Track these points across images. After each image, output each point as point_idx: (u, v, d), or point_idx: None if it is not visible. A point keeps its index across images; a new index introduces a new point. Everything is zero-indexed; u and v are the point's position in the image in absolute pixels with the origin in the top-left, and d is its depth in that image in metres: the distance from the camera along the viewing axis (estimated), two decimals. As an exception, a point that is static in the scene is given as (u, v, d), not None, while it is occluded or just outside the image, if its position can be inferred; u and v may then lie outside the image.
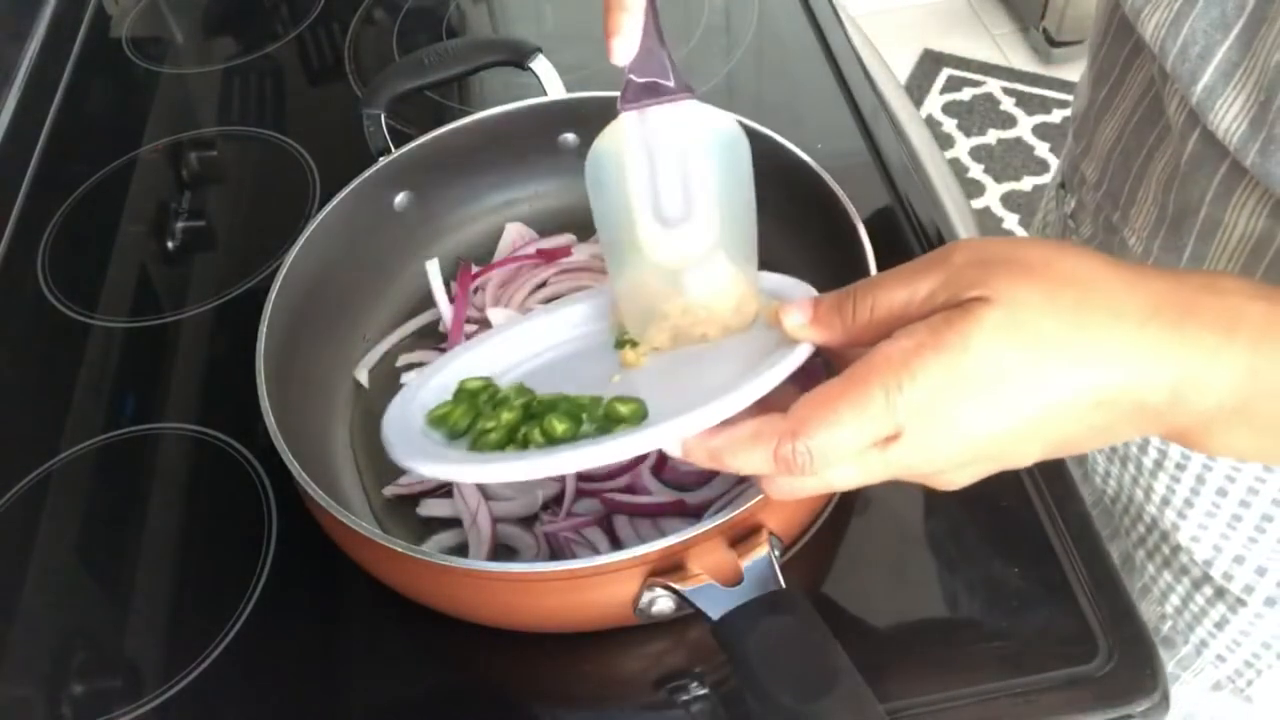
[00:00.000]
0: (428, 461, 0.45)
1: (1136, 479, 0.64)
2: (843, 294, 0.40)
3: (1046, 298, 0.35)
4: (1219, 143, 0.48)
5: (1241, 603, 0.62)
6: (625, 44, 0.45)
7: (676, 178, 0.48)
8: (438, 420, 0.49)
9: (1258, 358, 0.34)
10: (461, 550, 0.58)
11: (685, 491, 0.58)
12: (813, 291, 0.46)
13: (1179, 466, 0.60)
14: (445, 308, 0.68)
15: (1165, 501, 0.62)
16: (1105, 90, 0.60)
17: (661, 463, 0.59)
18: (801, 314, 0.41)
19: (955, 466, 0.38)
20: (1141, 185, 0.57)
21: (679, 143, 0.47)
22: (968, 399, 0.35)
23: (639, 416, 0.44)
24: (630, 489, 0.58)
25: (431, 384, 0.52)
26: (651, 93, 0.47)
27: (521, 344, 0.55)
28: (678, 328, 0.49)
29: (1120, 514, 0.69)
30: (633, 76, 0.46)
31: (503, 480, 0.52)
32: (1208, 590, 0.63)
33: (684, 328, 0.49)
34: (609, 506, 0.57)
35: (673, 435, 0.40)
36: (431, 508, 0.60)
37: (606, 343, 0.52)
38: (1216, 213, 0.51)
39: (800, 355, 0.41)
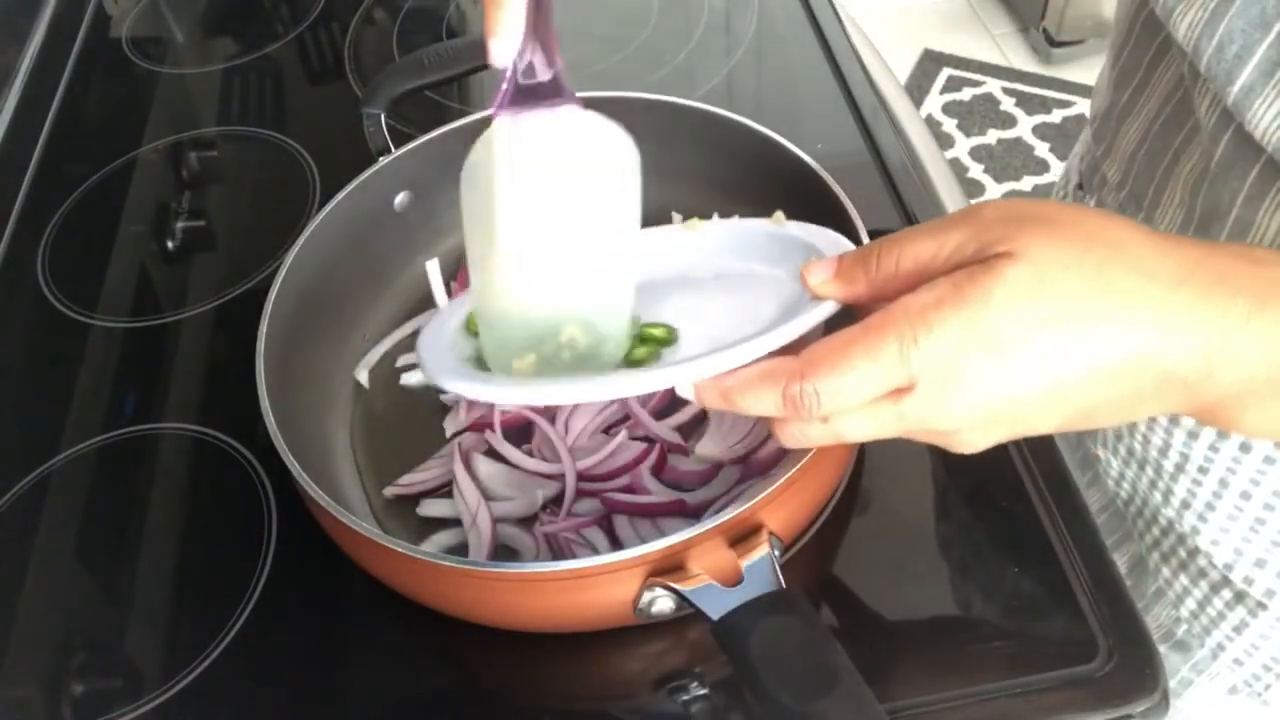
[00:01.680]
0: (457, 380, 0.44)
1: (1155, 482, 0.64)
2: (868, 248, 0.39)
3: (1075, 256, 0.34)
4: (1253, 144, 0.47)
5: (1262, 606, 0.62)
6: (503, 45, 0.43)
7: (546, 193, 0.43)
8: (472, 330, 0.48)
9: None
10: (461, 550, 0.58)
11: (685, 491, 0.58)
12: (844, 241, 0.46)
13: (1201, 470, 0.59)
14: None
15: (1185, 505, 0.62)
16: (1129, 91, 0.60)
17: (661, 463, 0.59)
18: (825, 270, 0.40)
19: (969, 427, 0.37)
20: (1167, 187, 0.56)
21: (552, 155, 0.43)
22: (986, 356, 0.34)
23: (669, 340, 0.45)
24: (630, 489, 0.58)
25: (464, 311, 0.51)
26: (529, 97, 0.43)
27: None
28: (542, 358, 0.44)
29: (1134, 517, 0.68)
30: (508, 80, 0.43)
31: (523, 402, 0.53)
32: (1227, 594, 0.63)
33: (547, 357, 0.45)
34: (609, 506, 0.57)
35: (687, 377, 0.40)
36: (431, 508, 0.60)
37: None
38: (1248, 215, 0.50)
39: (823, 311, 0.41)
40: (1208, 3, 0.46)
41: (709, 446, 0.59)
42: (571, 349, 0.45)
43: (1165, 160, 0.56)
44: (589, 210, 0.44)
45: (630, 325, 0.46)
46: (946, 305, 0.34)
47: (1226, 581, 0.63)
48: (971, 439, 0.38)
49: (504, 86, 0.44)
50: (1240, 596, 0.62)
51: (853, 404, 0.36)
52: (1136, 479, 0.66)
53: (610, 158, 0.44)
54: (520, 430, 0.62)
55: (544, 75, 0.43)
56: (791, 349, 0.39)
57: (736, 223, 0.53)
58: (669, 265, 0.52)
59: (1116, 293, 0.34)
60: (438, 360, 0.47)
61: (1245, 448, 0.56)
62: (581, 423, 0.61)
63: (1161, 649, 0.69)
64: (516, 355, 0.45)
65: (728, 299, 0.49)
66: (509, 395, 0.46)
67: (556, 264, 0.44)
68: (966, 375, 0.35)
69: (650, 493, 0.58)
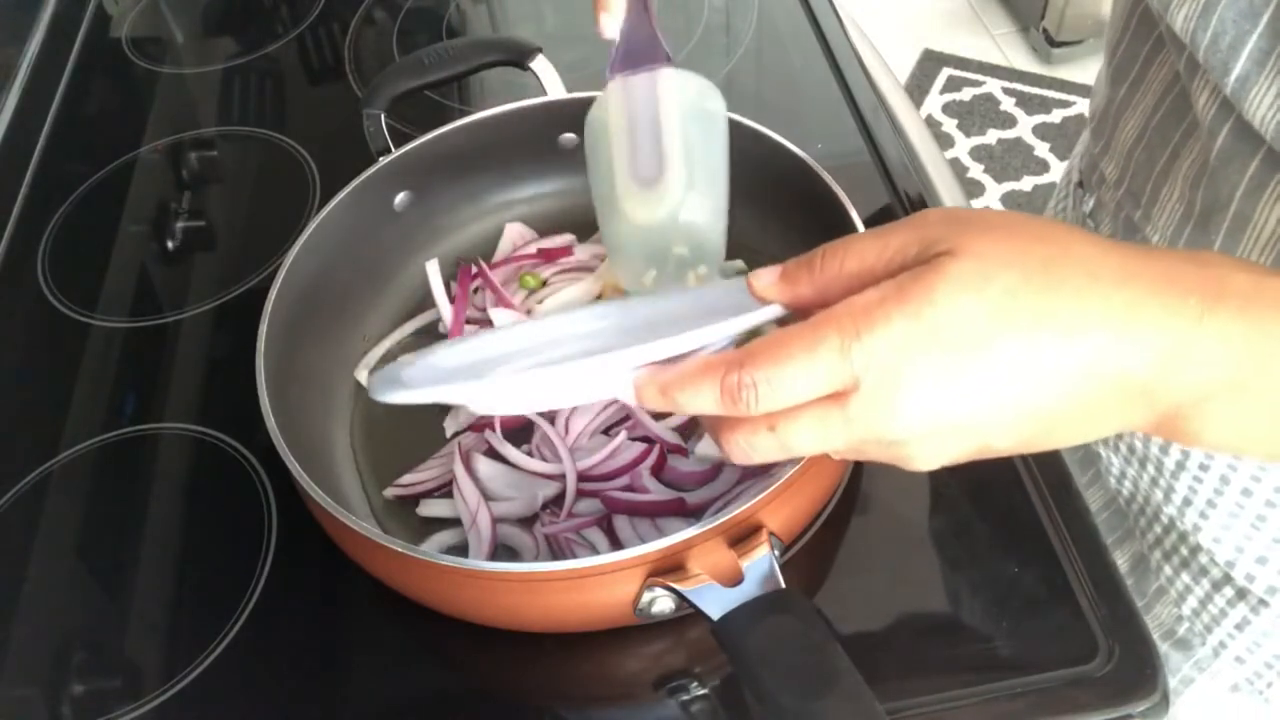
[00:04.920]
0: (407, 389, 0.44)
1: (1156, 480, 0.64)
2: (812, 252, 0.39)
3: (1018, 253, 0.34)
4: (1252, 135, 0.48)
5: (1264, 604, 0.62)
6: (611, 18, 0.50)
7: (651, 140, 0.51)
8: None
9: (1249, 326, 0.33)
10: (461, 550, 0.58)
11: (685, 491, 0.58)
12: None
13: (1202, 467, 0.59)
14: (445, 308, 0.68)
15: (1187, 502, 0.62)
16: (1125, 87, 0.60)
17: (661, 463, 0.59)
18: (769, 274, 0.39)
19: (920, 436, 0.35)
20: (1166, 182, 0.56)
21: (654, 108, 0.51)
22: (929, 353, 0.33)
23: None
24: (630, 489, 0.58)
25: (421, 362, 0.51)
26: (633, 62, 0.51)
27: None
28: (662, 273, 0.54)
29: (1135, 515, 0.68)
30: (618, 48, 0.51)
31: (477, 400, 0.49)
32: (1228, 591, 0.63)
33: (666, 272, 0.54)
34: (609, 506, 0.57)
35: (622, 363, 0.39)
36: (431, 508, 0.60)
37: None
38: (1246, 209, 0.50)
39: (766, 314, 0.40)
40: None
41: (709, 447, 0.59)
42: (679, 263, 0.54)
43: (1164, 156, 0.57)
44: (689, 149, 0.52)
45: (724, 235, 0.53)
46: (890, 302, 0.34)
47: (1228, 579, 0.63)
48: (924, 451, 0.36)
49: (614, 53, 0.52)
50: (1242, 594, 0.62)
51: (793, 399, 0.35)
52: (1138, 477, 0.66)
53: (703, 106, 0.52)
54: (520, 430, 0.62)
55: (648, 46, 0.51)
56: None
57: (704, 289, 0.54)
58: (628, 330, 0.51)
59: (1064, 291, 0.33)
60: (389, 382, 0.46)
61: None
62: (582, 423, 0.61)
63: (1163, 647, 0.69)
64: (642, 274, 0.54)
65: (672, 315, 0.48)
66: (458, 393, 0.45)
67: (664, 197, 0.52)
68: (911, 373, 0.34)
69: (650, 493, 0.58)
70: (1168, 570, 0.67)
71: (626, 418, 0.61)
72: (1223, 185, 0.51)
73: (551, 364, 0.42)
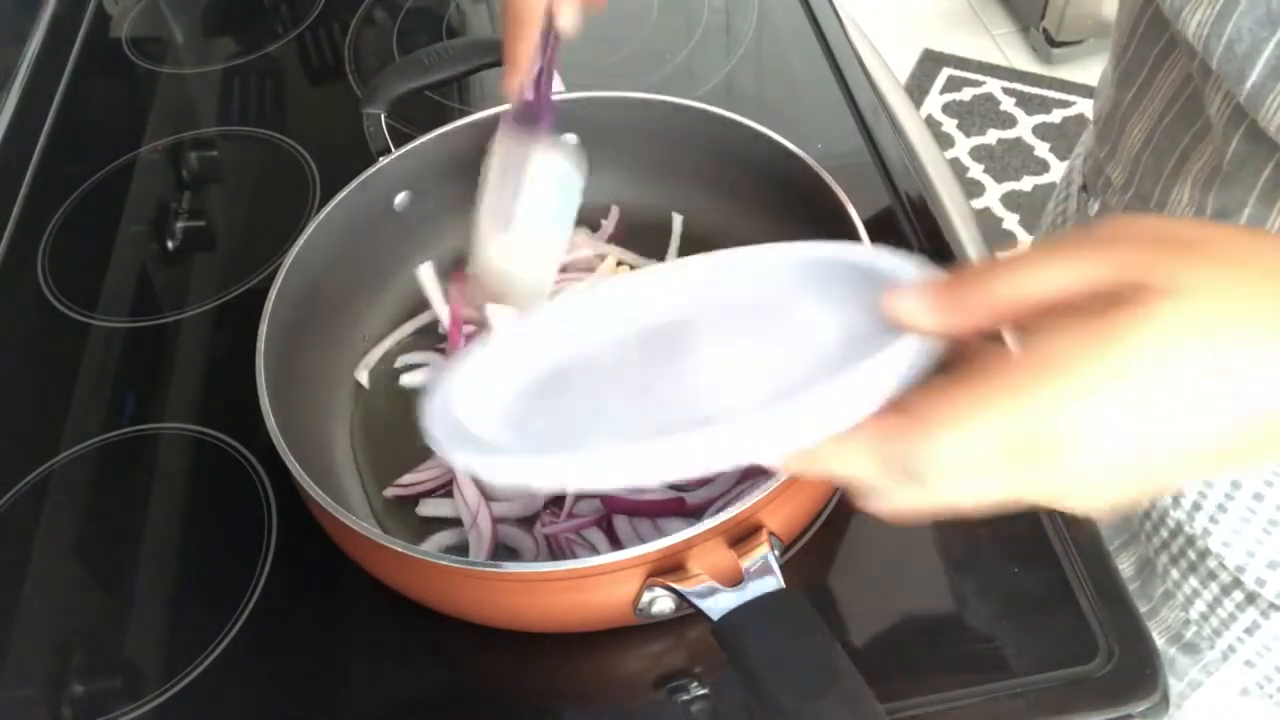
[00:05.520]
0: (478, 455, 0.39)
1: None
2: (976, 272, 0.32)
3: (1247, 296, 0.28)
4: (1266, 141, 0.47)
5: (1275, 608, 0.62)
6: (516, 82, 0.55)
7: (510, 196, 0.57)
8: None
9: None
10: (461, 550, 0.58)
11: (685, 491, 0.58)
12: (906, 265, 0.39)
13: None
14: (443, 311, 0.68)
15: (1196, 507, 0.62)
16: (1132, 91, 0.59)
17: None
18: (917, 299, 0.33)
19: (1098, 489, 0.31)
20: (1175, 185, 0.56)
21: (521, 171, 0.57)
22: (1132, 413, 0.28)
23: None
24: (630, 488, 0.58)
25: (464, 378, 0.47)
26: (523, 122, 0.57)
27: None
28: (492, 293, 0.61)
29: (1141, 519, 0.68)
30: (516, 106, 0.57)
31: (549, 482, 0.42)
32: (1238, 595, 0.63)
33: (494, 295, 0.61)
34: (609, 506, 0.57)
35: (775, 437, 0.33)
36: (431, 508, 0.60)
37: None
38: (1260, 214, 0.50)
39: (915, 347, 0.33)
40: (1215, 2, 0.46)
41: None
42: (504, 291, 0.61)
43: (1172, 159, 0.56)
44: (535, 213, 0.58)
45: (544, 287, 0.60)
46: (1087, 348, 0.29)
47: (1238, 583, 0.62)
48: (1093, 498, 0.32)
49: (512, 109, 0.57)
50: (1252, 598, 0.62)
51: (965, 465, 0.30)
52: None
53: (564, 181, 0.58)
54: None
55: (540, 110, 0.56)
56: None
57: (769, 249, 0.47)
58: (695, 300, 0.47)
59: None
60: (454, 434, 0.41)
61: None
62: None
63: (1170, 651, 0.68)
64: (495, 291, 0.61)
65: (775, 339, 0.42)
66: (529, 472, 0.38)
67: (500, 244, 0.58)
68: (1107, 435, 0.29)
69: (650, 492, 0.58)
70: (1175, 574, 0.67)
71: None
72: (1236, 190, 0.51)
73: (672, 425, 0.34)
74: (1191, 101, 0.54)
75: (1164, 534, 0.66)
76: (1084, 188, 0.69)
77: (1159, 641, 0.69)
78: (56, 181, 0.85)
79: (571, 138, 0.70)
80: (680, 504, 0.57)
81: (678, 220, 0.71)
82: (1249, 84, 0.46)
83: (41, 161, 0.87)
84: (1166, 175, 0.57)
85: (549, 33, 0.54)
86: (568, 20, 0.54)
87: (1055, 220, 0.77)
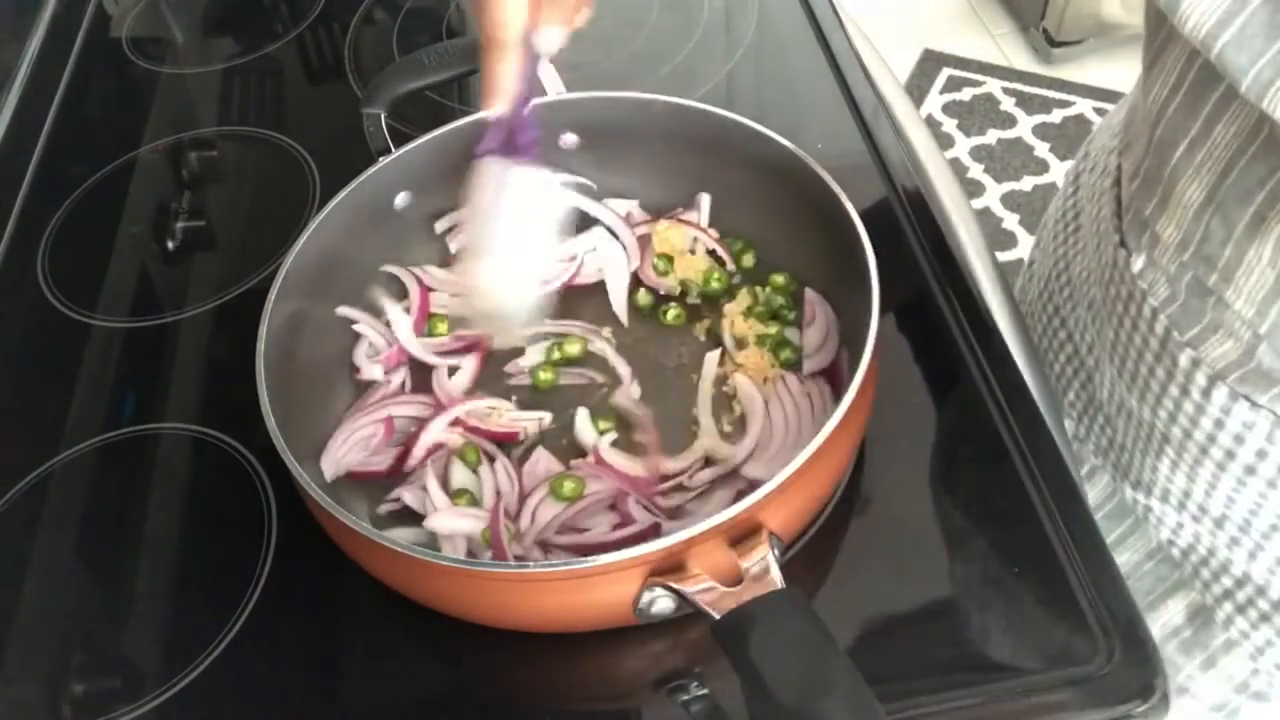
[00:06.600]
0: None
1: (1237, 540, 0.61)
2: None
3: None
4: None
5: None
6: (496, 105, 0.53)
7: (490, 220, 0.56)
8: None
9: None
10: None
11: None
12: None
13: (1273, 527, 0.58)
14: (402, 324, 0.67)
15: (1255, 556, 0.61)
16: (1181, 150, 0.54)
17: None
18: None
19: None
20: (1252, 246, 0.51)
21: (497, 194, 0.56)
22: None
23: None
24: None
25: None
26: (501, 149, 0.55)
27: None
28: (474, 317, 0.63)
29: (1196, 566, 0.66)
30: (493, 132, 0.55)
31: None
32: None
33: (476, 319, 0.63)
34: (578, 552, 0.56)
35: None
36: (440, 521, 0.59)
37: None
38: None
39: None
40: (1275, 54, 0.41)
41: (755, 469, 0.58)
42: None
43: (1243, 219, 0.51)
44: (511, 234, 0.57)
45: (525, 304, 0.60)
46: None
47: None
48: None
49: (489, 133, 0.55)
50: None
51: None
52: (1210, 534, 0.63)
53: (541, 202, 0.58)
54: (504, 443, 0.61)
55: (517, 132, 0.55)
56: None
57: None
58: None
59: None
60: None
61: None
62: (549, 515, 0.57)
63: (1237, 699, 0.68)
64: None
65: None
66: None
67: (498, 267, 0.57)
68: None
69: (635, 520, 0.56)
70: (1243, 624, 0.65)
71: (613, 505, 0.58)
72: None
73: None
74: (1265, 152, 0.48)
75: (1226, 583, 0.64)
76: (1121, 243, 0.62)
77: (1221, 690, 0.69)
78: (56, 181, 0.85)
79: (571, 138, 0.70)
80: (656, 529, 0.55)
81: (705, 200, 0.70)
82: None
83: (41, 161, 0.87)
84: (1239, 235, 0.52)
85: (529, 54, 0.52)
86: (549, 43, 0.52)
87: (1063, 240, 0.72)
